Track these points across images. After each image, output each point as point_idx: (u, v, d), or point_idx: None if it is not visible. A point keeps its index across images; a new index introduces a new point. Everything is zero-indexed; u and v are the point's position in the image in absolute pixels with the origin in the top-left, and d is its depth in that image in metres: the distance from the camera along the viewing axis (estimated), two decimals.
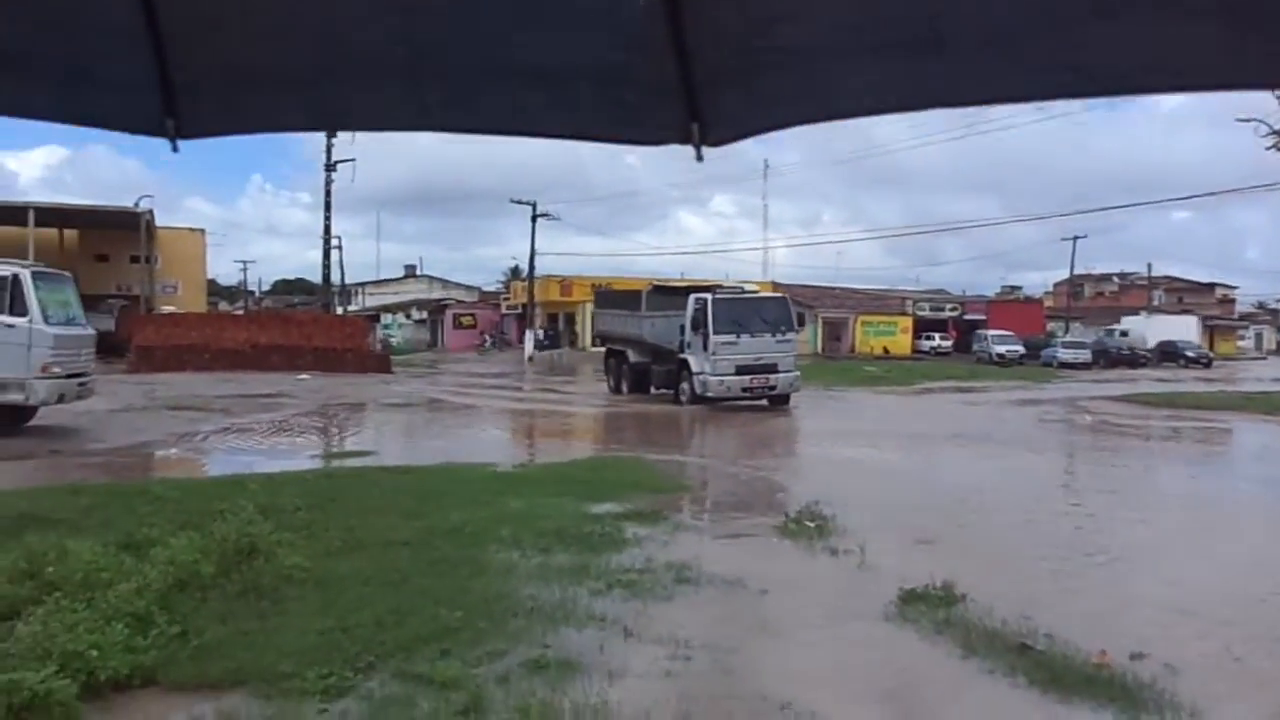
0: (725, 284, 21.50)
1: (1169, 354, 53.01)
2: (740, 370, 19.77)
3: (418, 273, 76.54)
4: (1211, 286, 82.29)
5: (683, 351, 20.73)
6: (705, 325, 19.73)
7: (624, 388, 24.37)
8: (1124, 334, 54.05)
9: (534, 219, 49.43)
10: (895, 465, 13.26)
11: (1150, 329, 55.00)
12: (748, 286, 22.23)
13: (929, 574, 6.44)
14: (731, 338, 19.71)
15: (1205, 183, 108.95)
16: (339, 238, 45.07)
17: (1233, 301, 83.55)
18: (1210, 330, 72.89)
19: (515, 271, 71.07)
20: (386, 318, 63.74)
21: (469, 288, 74.61)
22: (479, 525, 8.01)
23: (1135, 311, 68.96)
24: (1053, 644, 5.10)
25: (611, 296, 27.34)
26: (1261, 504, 10.94)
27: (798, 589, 6.37)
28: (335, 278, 48.16)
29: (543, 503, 9.25)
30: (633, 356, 23.83)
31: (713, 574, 6.54)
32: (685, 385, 20.68)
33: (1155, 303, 73.26)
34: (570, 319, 55.76)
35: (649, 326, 22.41)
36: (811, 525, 8.26)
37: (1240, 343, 76.22)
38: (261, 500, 8.24)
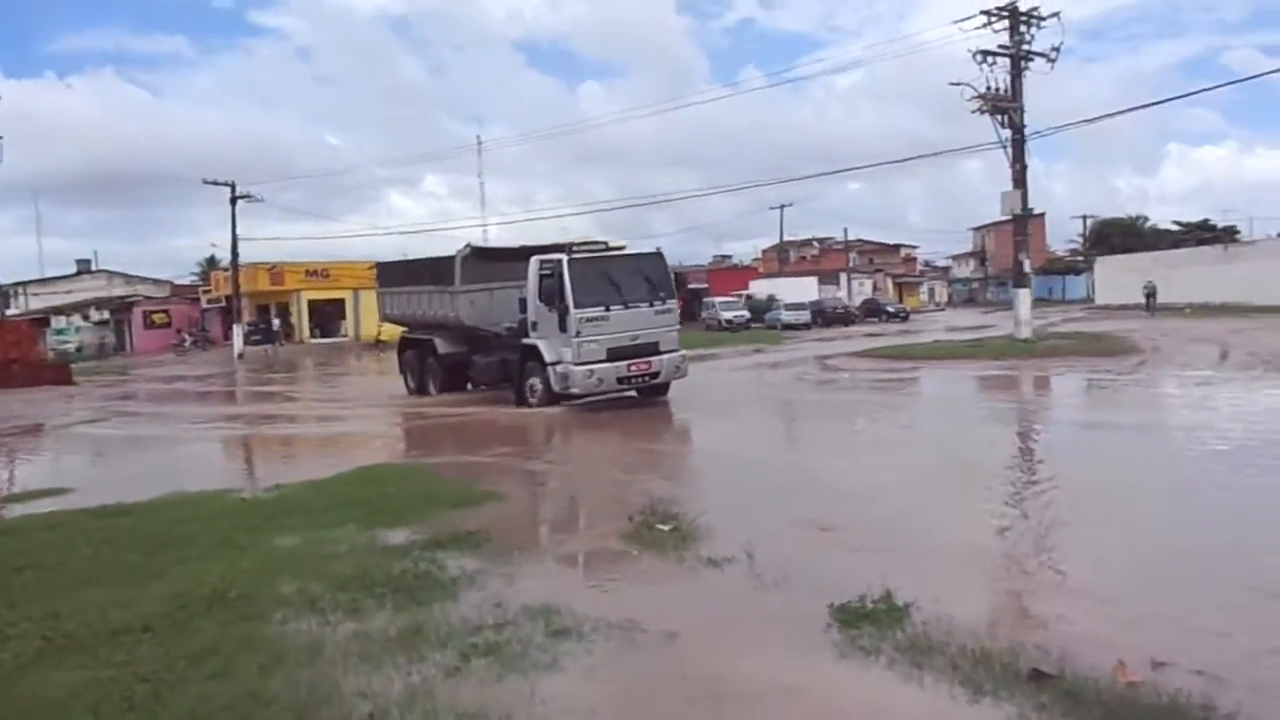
0: (578, 241, 16.14)
1: (872, 311, 57.59)
2: (613, 355, 15.12)
3: (93, 268, 66.89)
4: (897, 247, 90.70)
5: (527, 335, 15.89)
6: (561, 297, 14.93)
7: (432, 386, 19.27)
8: (750, 297, 55.79)
9: (233, 200, 44.36)
10: (700, 442, 12.27)
11: (775, 291, 57.72)
12: (610, 243, 16.70)
13: (839, 578, 5.38)
14: (599, 311, 14.98)
15: (877, 153, 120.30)
16: None
17: (915, 260, 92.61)
18: (899, 287, 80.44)
19: (213, 261, 64.08)
20: (59, 320, 55.13)
21: (159, 282, 66.25)
22: (247, 581, 5.94)
23: (836, 273, 74.52)
24: (1060, 663, 4.11)
25: (405, 269, 20.81)
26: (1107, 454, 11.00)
27: (708, 624, 5.01)
28: None
29: (321, 536, 7.25)
30: (442, 346, 18.78)
31: (592, 617, 5.02)
32: (535, 381, 15.78)
33: (851, 264, 79.46)
34: (284, 309, 50.93)
35: (467, 305, 17.41)
36: (665, 529, 6.95)
37: (921, 297, 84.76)
38: None
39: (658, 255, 16.50)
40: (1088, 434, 12.01)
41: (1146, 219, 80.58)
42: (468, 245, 18.17)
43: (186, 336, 53.32)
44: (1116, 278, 54.33)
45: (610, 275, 15.43)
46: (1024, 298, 26.16)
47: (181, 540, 7.27)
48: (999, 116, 25.54)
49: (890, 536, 6.70)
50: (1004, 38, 25.49)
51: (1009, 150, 25.76)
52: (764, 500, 8.21)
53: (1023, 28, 25.44)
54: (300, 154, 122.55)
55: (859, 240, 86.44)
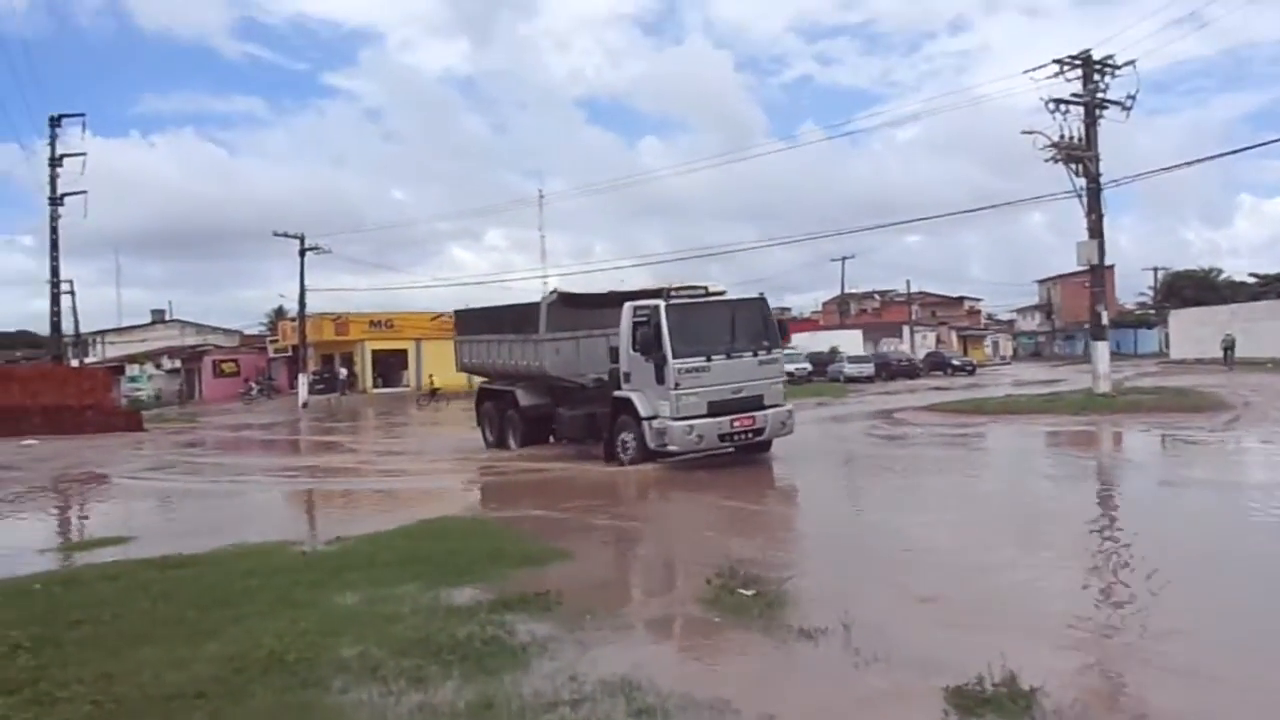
0: (675, 286, 14.79)
1: (937, 364, 56.39)
2: (715, 409, 13.85)
3: (167, 318, 68.85)
4: (960, 300, 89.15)
5: (619, 387, 14.76)
6: (658, 346, 13.71)
7: (512, 440, 18.19)
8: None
9: (302, 252, 45.36)
10: (783, 500, 11.74)
11: (815, 344, 56.55)
12: (710, 287, 15.34)
13: (947, 655, 4.86)
14: (699, 361, 13.78)
15: (937, 205, 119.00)
16: (70, 281, 39.03)
17: (979, 312, 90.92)
18: (964, 340, 78.93)
19: (280, 312, 65.52)
20: (132, 369, 56.61)
21: (229, 331, 67.94)
22: (306, 643, 5.61)
23: (898, 326, 73.45)
24: None
25: (485, 316, 19.80)
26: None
27: (807, 705, 4.52)
28: (67, 326, 41.71)
29: (384, 594, 6.92)
30: (524, 398, 17.73)
31: (677, 694, 4.57)
32: (627, 436, 14.49)
33: (913, 317, 78.34)
34: (348, 359, 51.64)
35: (551, 354, 16.42)
36: (748, 594, 6.48)
37: (985, 350, 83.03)
38: None
39: (761, 301, 15.16)
40: (1195, 495, 11.22)
41: (1220, 271, 78.43)
42: (554, 291, 17.06)
43: (253, 385, 54.26)
44: (1192, 331, 52.58)
45: (711, 322, 14.27)
46: (1102, 350, 25.18)
47: (240, 596, 7.00)
48: (1073, 166, 24.86)
49: (994, 609, 6.14)
50: (1075, 86, 24.93)
51: (1084, 200, 24.98)
52: (852, 565, 7.70)
53: (1096, 76, 24.86)
54: (367, 208, 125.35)
55: (921, 293, 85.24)
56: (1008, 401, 25.42)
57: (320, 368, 51.32)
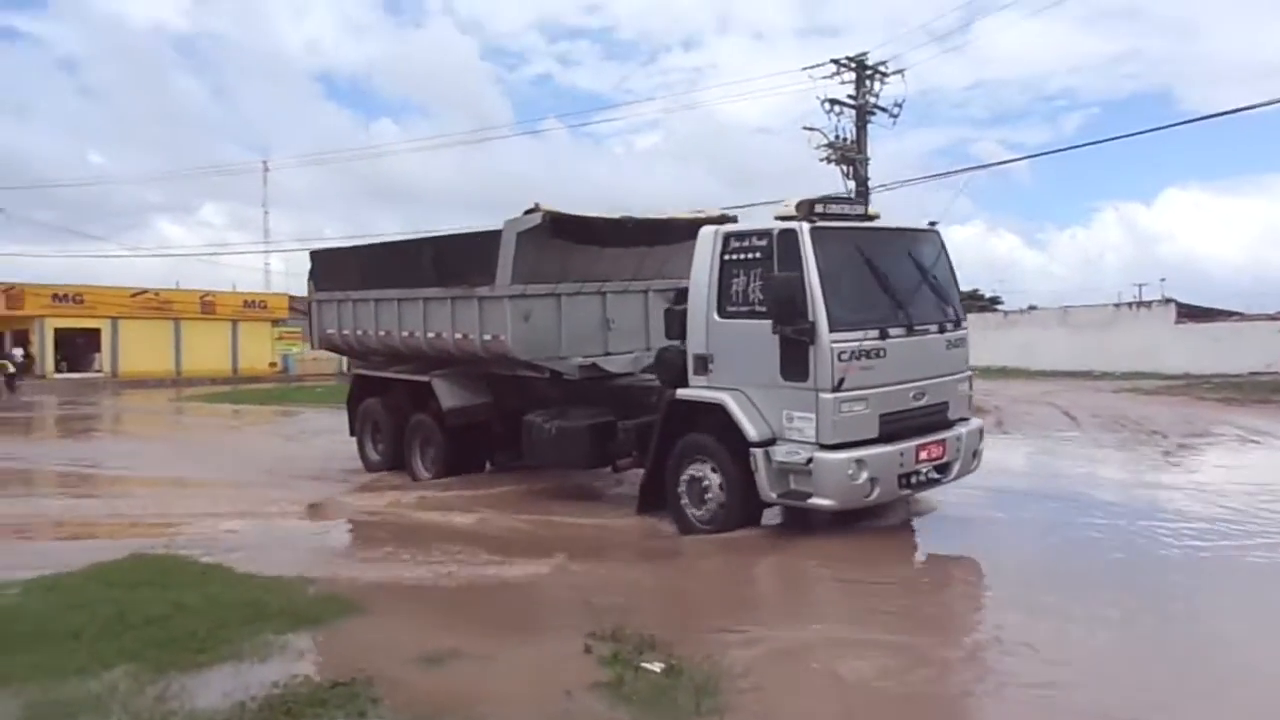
0: (816, 199, 7.62)
1: None
2: (890, 428, 7.41)
3: None
4: None
5: (680, 379, 8.05)
6: (801, 308, 7.10)
7: (420, 464, 11.01)
8: None
9: None
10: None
11: None
12: (869, 211, 8.45)
13: None
14: (873, 340, 7.28)
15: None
16: None
17: None
18: None
19: None
20: None
21: None
22: None
23: None
24: None
25: (379, 256, 12.27)
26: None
27: None
28: None
29: (69, 695, 4.25)
30: (449, 394, 10.43)
31: None
32: (709, 476, 7.74)
33: None
34: (23, 338, 43.64)
35: (518, 321, 9.49)
36: (654, 669, 4.51)
37: None
38: None
39: (936, 236, 8.50)
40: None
41: None
42: (536, 207, 9.23)
43: None
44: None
45: (879, 268, 7.68)
46: None
47: None
48: (845, 167, 25.03)
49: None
50: (842, 92, 25.12)
51: None
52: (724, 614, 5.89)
53: (867, 81, 25.19)
54: (56, 170, 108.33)
55: None
56: None
57: None
